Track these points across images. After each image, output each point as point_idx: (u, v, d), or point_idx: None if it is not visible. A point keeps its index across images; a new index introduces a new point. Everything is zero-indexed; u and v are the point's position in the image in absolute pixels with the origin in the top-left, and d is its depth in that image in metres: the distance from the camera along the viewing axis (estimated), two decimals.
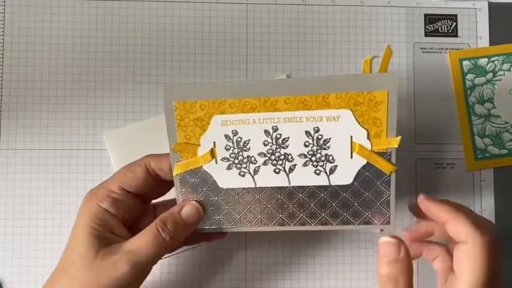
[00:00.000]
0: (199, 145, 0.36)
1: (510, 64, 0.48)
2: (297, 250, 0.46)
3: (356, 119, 0.34)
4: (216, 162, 0.36)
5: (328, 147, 0.35)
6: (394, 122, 0.34)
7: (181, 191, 0.37)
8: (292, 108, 0.34)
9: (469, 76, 0.48)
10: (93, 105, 0.46)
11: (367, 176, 0.36)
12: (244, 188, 0.37)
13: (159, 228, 0.35)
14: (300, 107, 0.34)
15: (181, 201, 0.37)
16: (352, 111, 0.34)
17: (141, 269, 0.35)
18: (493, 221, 0.47)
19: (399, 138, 0.35)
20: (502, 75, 0.48)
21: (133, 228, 0.37)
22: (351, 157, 0.35)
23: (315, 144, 0.35)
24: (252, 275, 0.45)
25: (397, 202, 0.46)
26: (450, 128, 0.47)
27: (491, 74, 0.48)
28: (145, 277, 0.36)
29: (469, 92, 0.48)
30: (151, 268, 0.36)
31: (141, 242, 0.35)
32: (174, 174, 0.36)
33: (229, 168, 0.36)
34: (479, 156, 0.47)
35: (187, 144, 0.36)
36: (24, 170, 0.45)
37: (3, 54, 0.46)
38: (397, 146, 0.35)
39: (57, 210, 0.45)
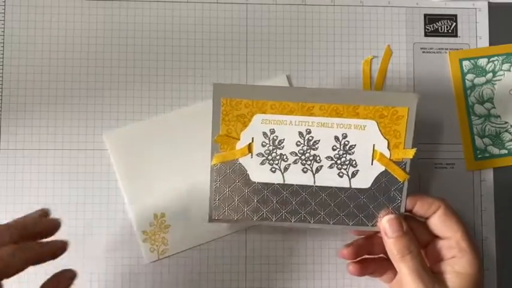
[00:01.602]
0: (239, 139, 0.39)
1: (510, 64, 0.48)
2: (297, 250, 0.46)
3: (380, 130, 0.38)
4: (251, 157, 0.39)
5: (353, 153, 0.39)
6: (411, 135, 0.38)
7: (215, 181, 0.39)
8: (326, 114, 0.38)
9: (469, 76, 0.48)
10: (93, 105, 0.46)
11: (383, 182, 0.39)
12: (273, 184, 0.40)
13: None
14: (332, 114, 0.38)
15: (214, 190, 0.39)
16: (377, 123, 0.38)
17: None
18: (493, 220, 0.47)
19: (415, 149, 0.39)
20: (502, 75, 0.48)
21: None
22: (372, 163, 0.39)
23: (342, 148, 0.39)
24: (252, 275, 0.46)
25: None
26: (450, 128, 0.47)
27: (491, 74, 0.48)
28: None
29: (469, 92, 0.48)
30: None
31: None
32: (211, 164, 0.39)
33: (262, 163, 0.39)
34: (479, 156, 0.47)
35: (228, 137, 0.39)
36: (24, 170, 0.45)
37: (3, 54, 0.46)
38: (412, 157, 0.38)
39: (57, 210, 0.45)
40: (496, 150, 0.47)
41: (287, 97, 0.38)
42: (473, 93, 0.47)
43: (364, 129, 0.38)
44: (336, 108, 0.38)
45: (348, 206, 0.39)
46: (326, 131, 0.38)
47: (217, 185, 0.39)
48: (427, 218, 0.40)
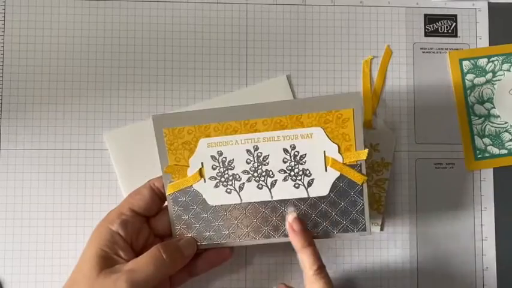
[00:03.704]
0: (189, 166, 0.39)
1: (510, 64, 0.48)
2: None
3: (327, 135, 0.38)
4: (205, 181, 0.39)
5: (305, 162, 0.38)
6: (361, 136, 0.38)
7: (173, 210, 0.39)
8: (270, 128, 0.38)
9: (469, 76, 0.48)
10: (93, 105, 0.46)
11: (341, 187, 0.39)
12: (231, 204, 0.39)
13: (160, 249, 0.37)
14: (277, 127, 0.38)
15: (174, 218, 0.39)
16: (323, 129, 0.38)
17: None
18: (493, 220, 0.47)
19: (367, 150, 0.38)
20: (502, 75, 0.48)
21: (140, 254, 0.38)
22: (326, 170, 0.38)
23: (293, 160, 0.38)
24: (252, 275, 0.46)
25: (397, 203, 0.46)
26: (450, 128, 0.47)
27: (491, 74, 0.48)
28: None
29: (468, 92, 0.48)
30: None
31: (141, 261, 0.36)
32: (166, 194, 0.39)
33: (216, 186, 0.39)
34: (479, 156, 0.47)
35: (177, 166, 0.39)
36: (24, 170, 0.45)
37: (3, 54, 0.46)
38: (365, 158, 0.38)
39: (57, 210, 0.45)
40: (496, 150, 0.47)
41: (228, 117, 0.38)
42: (473, 93, 0.47)
43: (311, 137, 0.38)
44: (280, 121, 0.37)
45: (311, 216, 0.39)
46: (273, 144, 0.38)
47: (177, 213, 0.39)
48: None
